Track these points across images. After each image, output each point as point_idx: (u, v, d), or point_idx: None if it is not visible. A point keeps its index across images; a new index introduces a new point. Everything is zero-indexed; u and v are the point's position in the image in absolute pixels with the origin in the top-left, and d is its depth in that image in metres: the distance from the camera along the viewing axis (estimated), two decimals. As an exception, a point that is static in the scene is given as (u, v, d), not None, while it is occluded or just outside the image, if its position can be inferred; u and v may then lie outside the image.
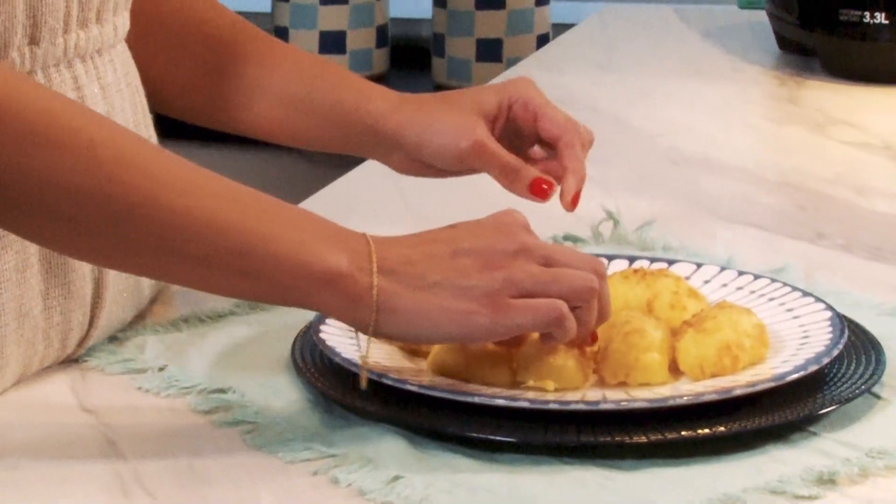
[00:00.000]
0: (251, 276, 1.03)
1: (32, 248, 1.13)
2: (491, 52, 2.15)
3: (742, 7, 2.05)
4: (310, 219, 1.04)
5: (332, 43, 2.20)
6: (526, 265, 1.03)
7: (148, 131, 1.28)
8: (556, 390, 1.02)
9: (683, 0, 2.22)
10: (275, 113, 1.30)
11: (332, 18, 2.19)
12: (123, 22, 1.25)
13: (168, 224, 1.01)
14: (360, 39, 2.20)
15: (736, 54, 1.86)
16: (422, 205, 1.22)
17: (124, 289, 1.20)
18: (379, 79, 2.20)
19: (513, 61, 2.05)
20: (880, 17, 1.73)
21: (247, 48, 1.32)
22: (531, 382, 1.02)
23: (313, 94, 1.28)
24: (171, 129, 1.34)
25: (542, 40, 2.15)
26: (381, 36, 2.23)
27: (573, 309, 1.02)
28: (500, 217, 1.06)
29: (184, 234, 1.02)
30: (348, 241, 1.03)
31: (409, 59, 2.28)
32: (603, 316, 1.04)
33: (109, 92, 1.20)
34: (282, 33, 2.23)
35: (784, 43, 1.84)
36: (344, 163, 1.48)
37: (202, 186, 1.03)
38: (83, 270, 1.16)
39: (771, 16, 1.85)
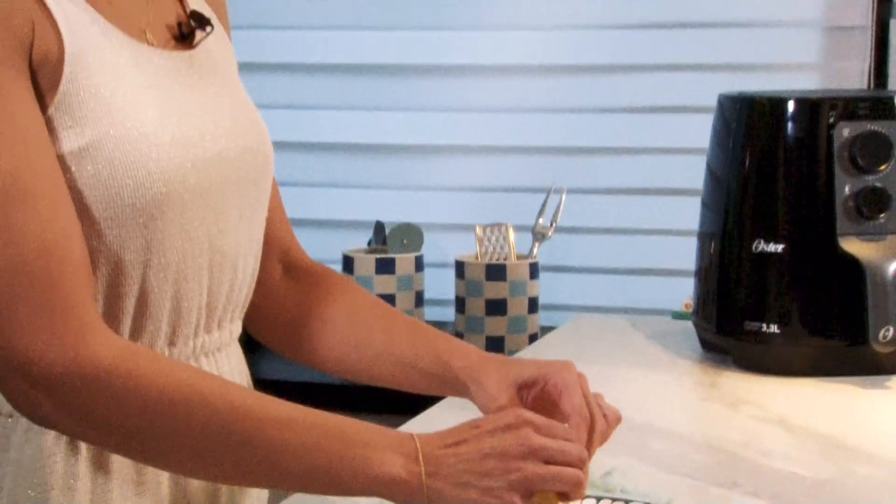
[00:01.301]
0: (334, 485, 1.02)
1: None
2: (496, 347, 2.15)
3: (675, 318, 2.06)
4: (372, 432, 1.04)
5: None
6: (534, 467, 1.02)
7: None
8: None
9: (633, 312, 2.22)
10: (385, 368, 1.28)
11: (384, 285, 2.19)
12: (237, 327, 1.23)
13: (272, 451, 1.01)
14: (404, 301, 2.19)
15: (671, 352, 1.85)
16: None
17: None
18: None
19: (511, 352, 2.04)
20: (774, 328, 1.72)
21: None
22: None
23: (418, 357, 1.26)
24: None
25: (533, 338, 2.14)
26: (419, 298, 2.22)
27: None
28: (511, 420, 1.05)
29: (284, 458, 1.01)
30: (401, 445, 1.03)
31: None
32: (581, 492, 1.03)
33: (225, 378, 1.18)
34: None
35: (706, 344, 1.83)
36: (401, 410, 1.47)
37: (294, 419, 1.02)
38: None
39: (696, 325, 1.85)
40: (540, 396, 1.17)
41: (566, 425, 1.09)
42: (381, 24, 2.32)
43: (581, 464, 1.03)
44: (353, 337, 1.27)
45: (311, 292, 1.30)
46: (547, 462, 1.03)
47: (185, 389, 1.02)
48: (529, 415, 1.05)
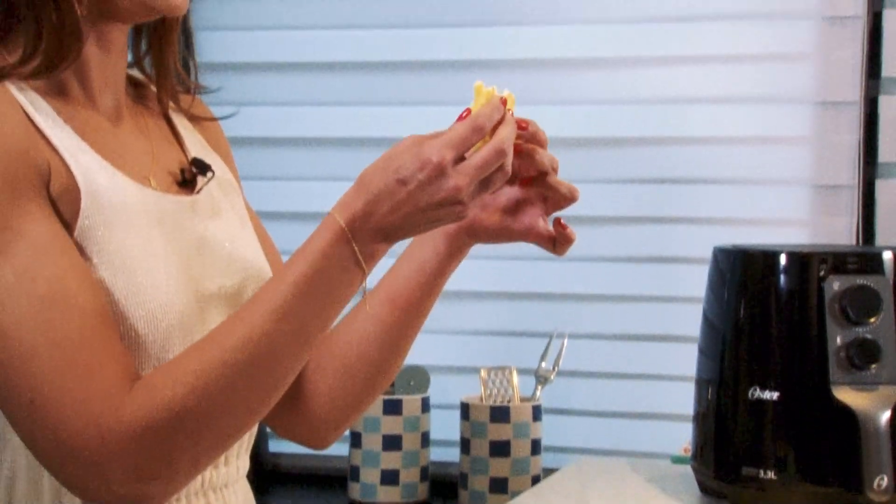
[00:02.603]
0: (315, 296, 1.07)
1: None
2: (500, 488, 2.10)
3: (674, 462, 2.02)
4: (318, 269, 1.08)
5: (389, 478, 2.15)
6: (473, 199, 1.08)
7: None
8: None
9: (634, 455, 2.18)
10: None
11: (391, 461, 2.14)
12: (244, 463, 1.21)
13: (281, 348, 1.07)
14: (410, 475, 2.15)
15: (671, 496, 1.81)
16: None
17: None
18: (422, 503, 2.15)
19: (515, 494, 2.00)
20: (770, 474, 1.70)
21: None
22: None
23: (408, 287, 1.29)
24: None
25: (536, 480, 2.11)
26: (424, 473, 2.18)
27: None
28: (431, 172, 1.07)
29: (289, 345, 1.07)
30: (342, 257, 1.08)
31: (443, 490, 2.22)
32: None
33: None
34: (355, 471, 2.17)
35: (704, 489, 1.81)
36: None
37: (279, 311, 1.08)
38: None
39: (694, 469, 1.82)
40: None
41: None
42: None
43: (504, 154, 1.09)
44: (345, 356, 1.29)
45: None
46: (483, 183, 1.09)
47: (202, 379, 1.04)
48: (442, 151, 1.07)
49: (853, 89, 2.06)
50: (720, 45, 2.14)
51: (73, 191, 1.11)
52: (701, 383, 1.83)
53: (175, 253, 1.16)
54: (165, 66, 1.26)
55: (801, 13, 2.11)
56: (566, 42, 2.21)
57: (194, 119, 1.32)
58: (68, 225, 1.10)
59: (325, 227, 1.08)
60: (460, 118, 1.11)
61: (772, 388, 1.71)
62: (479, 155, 1.08)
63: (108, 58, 1.20)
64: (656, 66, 2.17)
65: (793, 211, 2.13)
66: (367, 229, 1.07)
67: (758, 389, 1.72)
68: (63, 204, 1.10)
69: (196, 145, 1.30)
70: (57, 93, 1.16)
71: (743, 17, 2.13)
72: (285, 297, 1.06)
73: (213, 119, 1.35)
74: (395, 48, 2.28)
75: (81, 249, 1.10)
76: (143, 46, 1.27)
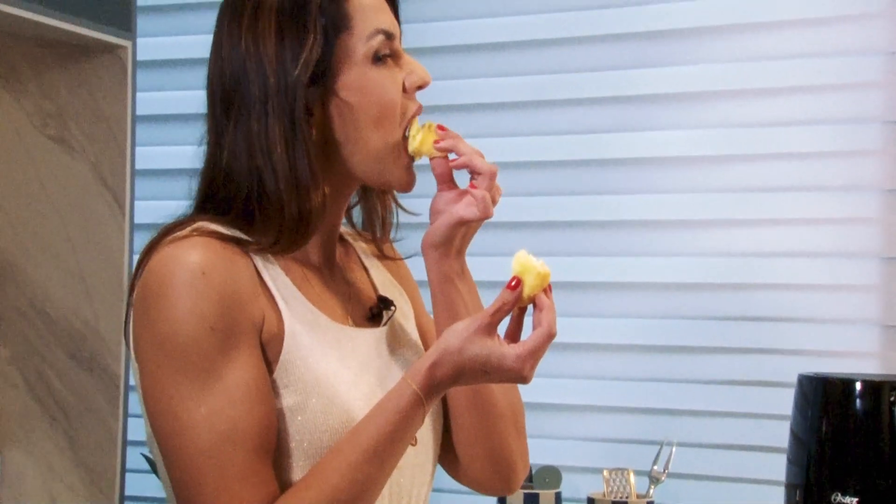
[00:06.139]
0: (400, 440, 1.12)
1: None
2: None
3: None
4: (403, 432, 1.12)
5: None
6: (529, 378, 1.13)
7: None
8: None
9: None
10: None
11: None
12: None
13: (359, 475, 1.11)
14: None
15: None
16: None
17: None
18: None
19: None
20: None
21: None
22: None
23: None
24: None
25: None
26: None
27: None
28: (514, 376, 1.12)
29: (380, 477, 1.12)
30: (417, 414, 1.12)
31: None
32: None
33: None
34: (503, 551, 2.23)
35: None
36: None
37: (371, 453, 1.11)
38: None
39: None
40: None
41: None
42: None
43: (554, 337, 1.12)
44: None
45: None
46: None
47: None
48: (526, 363, 1.11)
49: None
50: (799, 212, 2.20)
51: (280, 335, 1.14)
52: (789, 487, 1.83)
53: (361, 379, 1.19)
54: (385, 221, 1.31)
55: (867, 188, 2.16)
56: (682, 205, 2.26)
57: (384, 259, 1.34)
58: (270, 364, 1.13)
59: (403, 395, 1.13)
60: (509, 286, 1.12)
61: (852, 494, 1.72)
62: (537, 344, 1.12)
63: (330, 224, 1.23)
64: (749, 227, 2.23)
65: (864, 345, 2.16)
66: (438, 393, 1.13)
67: (839, 494, 1.73)
68: (270, 347, 1.13)
69: (384, 283, 1.32)
70: (287, 255, 1.19)
71: (812, 190, 2.19)
72: (378, 443, 1.10)
73: (402, 259, 1.37)
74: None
75: (277, 384, 1.12)
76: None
